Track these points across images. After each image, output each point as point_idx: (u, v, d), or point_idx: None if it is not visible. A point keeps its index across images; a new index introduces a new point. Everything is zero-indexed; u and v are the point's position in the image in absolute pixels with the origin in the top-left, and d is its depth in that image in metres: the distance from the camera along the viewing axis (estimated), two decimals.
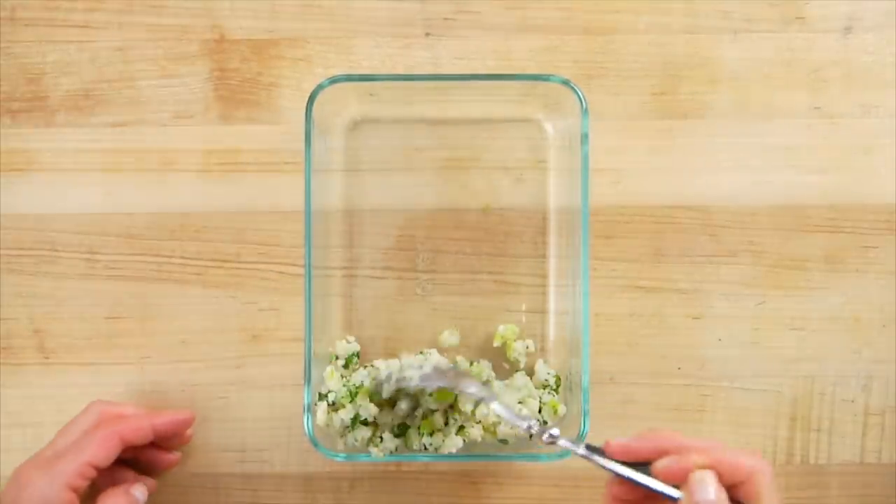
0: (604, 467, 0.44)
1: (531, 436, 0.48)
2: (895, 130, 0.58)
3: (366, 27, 0.59)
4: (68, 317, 0.58)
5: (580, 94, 0.52)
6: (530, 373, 0.56)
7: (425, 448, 0.52)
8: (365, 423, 0.52)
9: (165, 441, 0.55)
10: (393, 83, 0.56)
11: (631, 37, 0.59)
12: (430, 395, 0.51)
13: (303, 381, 0.53)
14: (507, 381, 0.55)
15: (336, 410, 0.53)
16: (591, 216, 0.55)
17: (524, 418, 0.49)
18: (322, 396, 0.53)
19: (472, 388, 0.51)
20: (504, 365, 0.57)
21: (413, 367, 0.52)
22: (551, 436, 0.47)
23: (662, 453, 0.43)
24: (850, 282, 0.58)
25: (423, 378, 0.51)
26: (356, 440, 0.52)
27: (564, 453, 0.52)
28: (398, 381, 0.51)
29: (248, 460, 0.58)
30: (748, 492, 0.41)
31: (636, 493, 0.44)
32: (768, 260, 0.58)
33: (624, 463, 0.44)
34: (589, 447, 0.45)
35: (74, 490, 0.49)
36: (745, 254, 0.58)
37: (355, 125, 0.58)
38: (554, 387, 0.55)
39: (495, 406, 0.50)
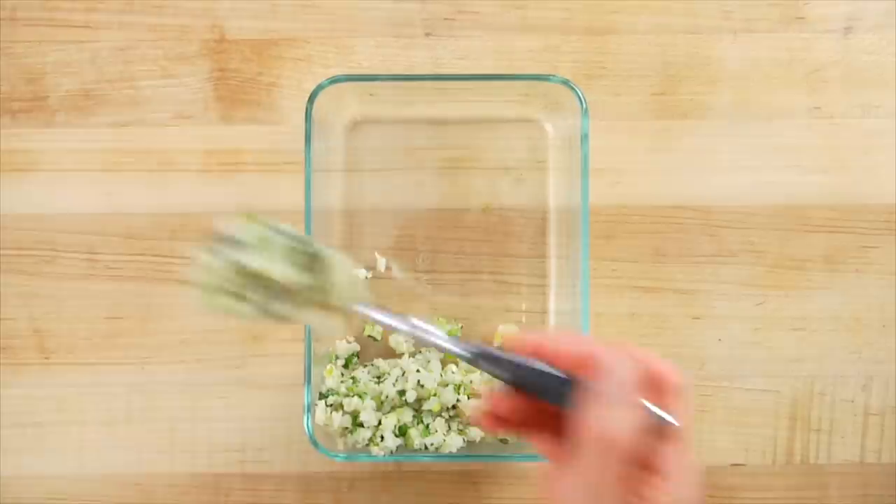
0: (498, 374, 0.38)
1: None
2: (895, 130, 0.58)
3: (366, 27, 0.59)
4: (68, 317, 0.58)
5: (580, 94, 0.52)
6: None
7: (426, 448, 0.52)
8: (361, 425, 0.52)
9: None
10: (393, 83, 0.56)
11: (631, 37, 0.59)
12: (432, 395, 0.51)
13: (303, 381, 0.53)
14: None
15: (336, 410, 0.53)
16: (591, 216, 0.55)
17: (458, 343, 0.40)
18: (322, 396, 0.53)
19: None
20: None
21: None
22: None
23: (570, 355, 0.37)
24: (850, 282, 0.58)
25: None
26: (357, 441, 0.52)
27: None
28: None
29: (248, 460, 0.58)
30: (665, 401, 0.36)
31: (520, 403, 0.38)
32: (768, 260, 0.58)
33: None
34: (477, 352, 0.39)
35: None
36: (745, 254, 0.58)
37: (355, 125, 0.58)
38: None
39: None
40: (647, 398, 0.36)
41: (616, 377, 0.35)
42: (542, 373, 0.37)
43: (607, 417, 0.34)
